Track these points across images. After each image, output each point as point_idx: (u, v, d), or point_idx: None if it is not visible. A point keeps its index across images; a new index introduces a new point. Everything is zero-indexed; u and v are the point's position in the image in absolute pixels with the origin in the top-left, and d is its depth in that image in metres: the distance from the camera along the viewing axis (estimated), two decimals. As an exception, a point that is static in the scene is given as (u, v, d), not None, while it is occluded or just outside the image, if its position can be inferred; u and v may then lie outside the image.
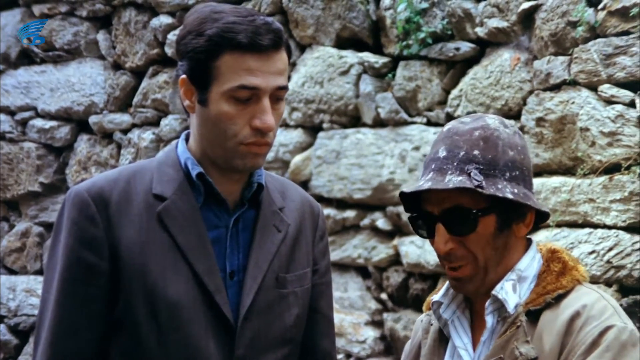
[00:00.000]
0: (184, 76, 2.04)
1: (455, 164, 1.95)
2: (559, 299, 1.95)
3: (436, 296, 2.08)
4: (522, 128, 4.37)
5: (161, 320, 1.99)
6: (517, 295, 1.97)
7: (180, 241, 2.02)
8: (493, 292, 1.97)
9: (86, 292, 2.00)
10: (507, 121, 2.05)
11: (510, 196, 1.93)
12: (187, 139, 2.12)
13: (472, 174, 1.93)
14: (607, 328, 1.88)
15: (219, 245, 2.06)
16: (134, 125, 6.07)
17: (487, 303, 1.98)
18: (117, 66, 6.15)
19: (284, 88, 2.03)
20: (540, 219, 2.05)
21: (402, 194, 2.04)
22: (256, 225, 2.09)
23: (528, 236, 2.07)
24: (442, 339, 2.07)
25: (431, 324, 2.10)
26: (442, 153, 1.98)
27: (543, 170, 4.35)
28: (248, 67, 1.98)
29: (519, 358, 1.90)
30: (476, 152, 1.96)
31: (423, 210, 2.01)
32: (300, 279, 2.15)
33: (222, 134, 2.01)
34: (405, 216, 4.83)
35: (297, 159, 5.27)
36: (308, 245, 2.19)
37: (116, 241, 2.00)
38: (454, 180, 1.93)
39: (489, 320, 1.97)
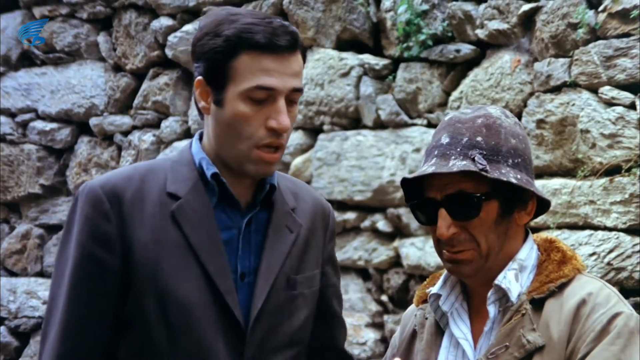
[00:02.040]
0: (199, 77, 2.04)
1: (458, 149, 1.96)
2: (562, 287, 1.96)
3: (434, 289, 2.08)
4: (522, 130, 4.37)
5: (171, 319, 1.99)
6: (519, 284, 1.98)
7: (193, 241, 2.01)
8: (495, 281, 1.97)
9: (97, 288, 2.00)
10: (507, 112, 2.06)
11: (514, 181, 1.94)
12: (200, 139, 2.12)
13: (476, 159, 1.93)
14: (615, 315, 1.89)
15: (230, 246, 2.05)
16: (134, 127, 6.07)
17: (489, 293, 1.98)
18: (117, 68, 6.15)
19: (299, 90, 2.05)
20: (541, 210, 2.06)
21: (403, 181, 2.04)
22: (269, 226, 2.09)
23: (527, 228, 2.08)
24: (438, 331, 2.07)
25: (426, 318, 2.10)
26: (444, 140, 1.99)
27: (543, 172, 4.35)
28: (265, 67, 1.99)
29: (527, 346, 1.91)
30: (479, 138, 1.96)
31: (425, 197, 2.01)
32: (310, 281, 2.15)
33: (237, 135, 2.01)
34: (405, 218, 4.83)
35: (298, 160, 5.27)
36: (319, 246, 2.20)
37: (129, 239, 1.99)
38: (458, 164, 1.93)
39: (491, 310, 1.98)
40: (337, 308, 2.27)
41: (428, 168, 1.97)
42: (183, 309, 1.99)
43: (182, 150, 2.13)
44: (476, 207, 1.95)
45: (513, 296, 1.96)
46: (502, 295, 1.98)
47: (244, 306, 2.04)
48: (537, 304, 1.95)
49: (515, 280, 1.98)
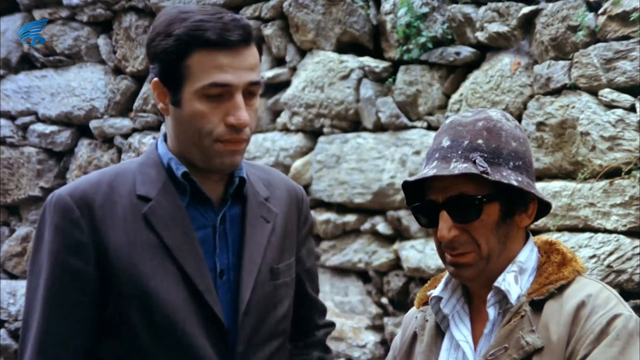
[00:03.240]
0: (155, 79, 2.03)
1: (459, 152, 1.96)
2: (561, 289, 1.96)
3: (435, 291, 2.08)
4: (522, 132, 4.37)
5: (155, 320, 1.98)
6: (519, 286, 1.98)
7: (168, 241, 2.01)
8: (495, 284, 1.97)
9: (73, 298, 1.99)
10: (508, 115, 2.06)
11: (515, 183, 1.94)
12: (165, 140, 2.12)
13: (477, 161, 1.94)
14: (615, 317, 1.89)
15: (206, 244, 2.05)
16: (134, 130, 6.07)
17: (489, 295, 1.98)
18: (117, 71, 6.16)
19: (257, 83, 2.02)
20: (541, 213, 2.06)
21: (405, 184, 2.04)
22: (245, 219, 2.09)
23: (527, 231, 2.08)
24: (439, 333, 2.07)
25: (426, 320, 2.10)
26: (445, 143, 1.99)
27: (544, 175, 4.35)
28: (218, 64, 1.97)
29: (525, 347, 1.91)
30: (480, 141, 1.97)
31: (426, 199, 2.01)
32: (290, 269, 2.16)
33: (197, 133, 2.00)
34: (405, 220, 4.83)
35: (298, 163, 5.27)
36: (294, 233, 2.20)
37: (103, 245, 1.99)
38: (459, 167, 1.94)
39: (491, 312, 1.98)
40: (312, 292, 2.29)
41: (429, 171, 1.97)
42: (166, 309, 1.98)
43: (148, 152, 2.13)
44: (477, 209, 1.95)
45: (512, 298, 1.96)
46: (502, 298, 1.98)
47: (225, 303, 2.04)
48: (537, 306, 1.95)
49: (514, 282, 1.98)
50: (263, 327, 2.08)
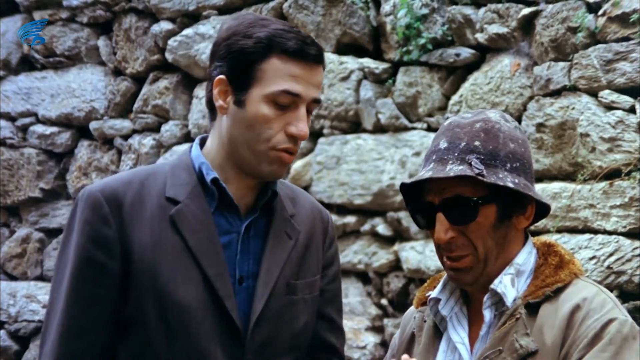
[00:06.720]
0: (221, 76, 2.04)
1: (456, 154, 1.97)
2: (558, 292, 1.96)
3: (433, 293, 2.08)
4: (522, 134, 4.37)
5: (170, 321, 2.00)
6: (515, 289, 1.98)
7: (192, 244, 2.02)
8: (492, 286, 1.97)
9: (96, 292, 2.01)
10: (507, 116, 2.06)
11: (510, 185, 1.94)
12: (201, 145, 2.13)
13: (473, 163, 1.94)
14: (609, 321, 1.88)
15: (229, 250, 2.06)
16: (134, 131, 6.07)
17: (485, 297, 1.98)
18: (117, 72, 6.16)
19: (318, 102, 2.07)
20: (540, 214, 2.06)
21: (402, 186, 2.05)
22: (268, 231, 2.10)
23: (527, 232, 2.08)
24: (436, 334, 2.07)
25: (424, 321, 2.10)
26: (443, 145, 2.00)
27: (543, 176, 4.35)
28: (294, 73, 2.01)
29: (519, 351, 1.91)
30: (477, 143, 1.97)
31: (423, 201, 2.01)
32: (310, 286, 2.16)
33: (255, 137, 2.02)
34: (405, 221, 4.83)
35: (298, 164, 5.28)
36: (318, 252, 2.20)
37: (128, 242, 2.01)
38: (455, 169, 1.94)
39: (487, 314, 1.98)
40: (334, 314, 2.26)
41: (425, 173, 1.98)
42: (181, 311, 1.99)
43: (181, 155, 2.14)
44: (473, 211, 1.95)
45: (508, 300, 1.96)
46: (498, 300, 1.98)
47: (242, 310, 2.04)
48: (533, 309, 1.95)
49: (511, 284, 1.98)
50: (276, 341, 2.08)
